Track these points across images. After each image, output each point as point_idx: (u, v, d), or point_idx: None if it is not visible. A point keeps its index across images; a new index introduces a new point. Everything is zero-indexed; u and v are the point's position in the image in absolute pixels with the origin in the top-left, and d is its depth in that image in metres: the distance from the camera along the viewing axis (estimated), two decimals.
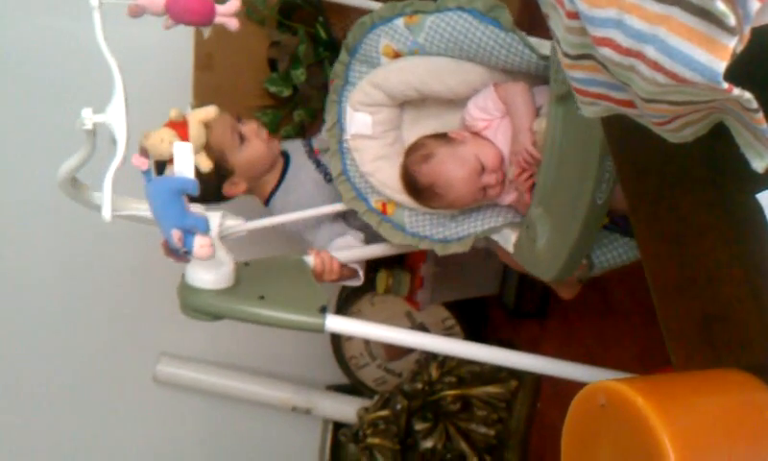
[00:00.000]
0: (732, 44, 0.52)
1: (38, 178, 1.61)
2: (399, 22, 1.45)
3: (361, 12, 1.79)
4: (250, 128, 1.65)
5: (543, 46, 1.40)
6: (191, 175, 1.19)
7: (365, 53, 1.51)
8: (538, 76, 1.43)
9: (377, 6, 1.70)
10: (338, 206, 1.64)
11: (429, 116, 1.58)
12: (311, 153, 1.78)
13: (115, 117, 1.21)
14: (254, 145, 1.65)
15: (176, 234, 1.13)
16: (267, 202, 1.76)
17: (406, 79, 1.47)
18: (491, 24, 1.38)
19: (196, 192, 1.17)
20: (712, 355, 0.71)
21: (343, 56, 1.54)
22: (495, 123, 1.45)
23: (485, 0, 1.38)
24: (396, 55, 1.48)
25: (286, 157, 1.77)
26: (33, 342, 2.31)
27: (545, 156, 1.25)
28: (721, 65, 0.53)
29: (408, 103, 1.56)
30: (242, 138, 1.62)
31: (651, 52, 0.57)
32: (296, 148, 1.80)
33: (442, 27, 1.41)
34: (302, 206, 1.66)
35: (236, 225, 1.42)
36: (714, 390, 0.64)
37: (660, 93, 0.60)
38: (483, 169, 1.42)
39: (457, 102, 1.52)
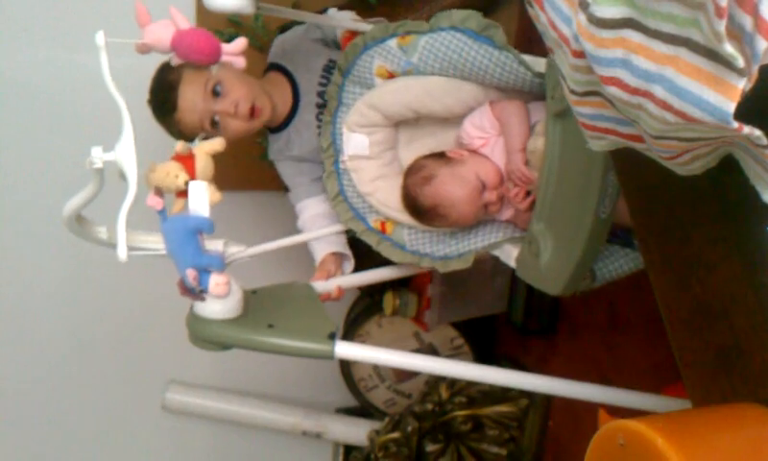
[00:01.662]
0: (742, 85, 0.52)
1: (46, 204, 1.61)
2: (392, 43, 1.45)
3: (358, 35, 1.79)
4: (225, 105, 1.52)
5: (538, 64, 1.40)
6: (206, 213, 1.19)
7: (358, 74, 1.51)
8: (532, 93, 1.43)
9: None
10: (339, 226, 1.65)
11: (424, 135, 1.59)
12: (320, 113, 1.70)
13: (125, 155, 1.20)
14: (230, 128, 1.55)
15: (191, 274, 1.14)
16: (274, 131, 1.74)
17: (402, 99, 1.47)
18: (484, 43, 1.38)
19: (212, 231, 1.17)
20: (729, 387, 0.71)
21: (336, 77, 1.55)
22: (492, 140, 1.46)
23: (478, 20, 1.38)
24: (390, 75, 1.48)
25: (296, 91, 1.70)
26: (41, 371, 2.31)
27: (544, 172, 1.25)
28: (731, 106, 0.53)
29: (403, 122, 1.56)
30: (213, 123, 1.52)
31: (659, 91, 0.57)
32: (308, 92, 1.70)
33: (435, 47, 1.41)
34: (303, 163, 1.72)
35: (239, 252, 1.44)
36: (733, 426, 0.64)
37: (669, 131, 0.60)
38: (484, 187, 1.43)
39: (452, 120, 1.53)
